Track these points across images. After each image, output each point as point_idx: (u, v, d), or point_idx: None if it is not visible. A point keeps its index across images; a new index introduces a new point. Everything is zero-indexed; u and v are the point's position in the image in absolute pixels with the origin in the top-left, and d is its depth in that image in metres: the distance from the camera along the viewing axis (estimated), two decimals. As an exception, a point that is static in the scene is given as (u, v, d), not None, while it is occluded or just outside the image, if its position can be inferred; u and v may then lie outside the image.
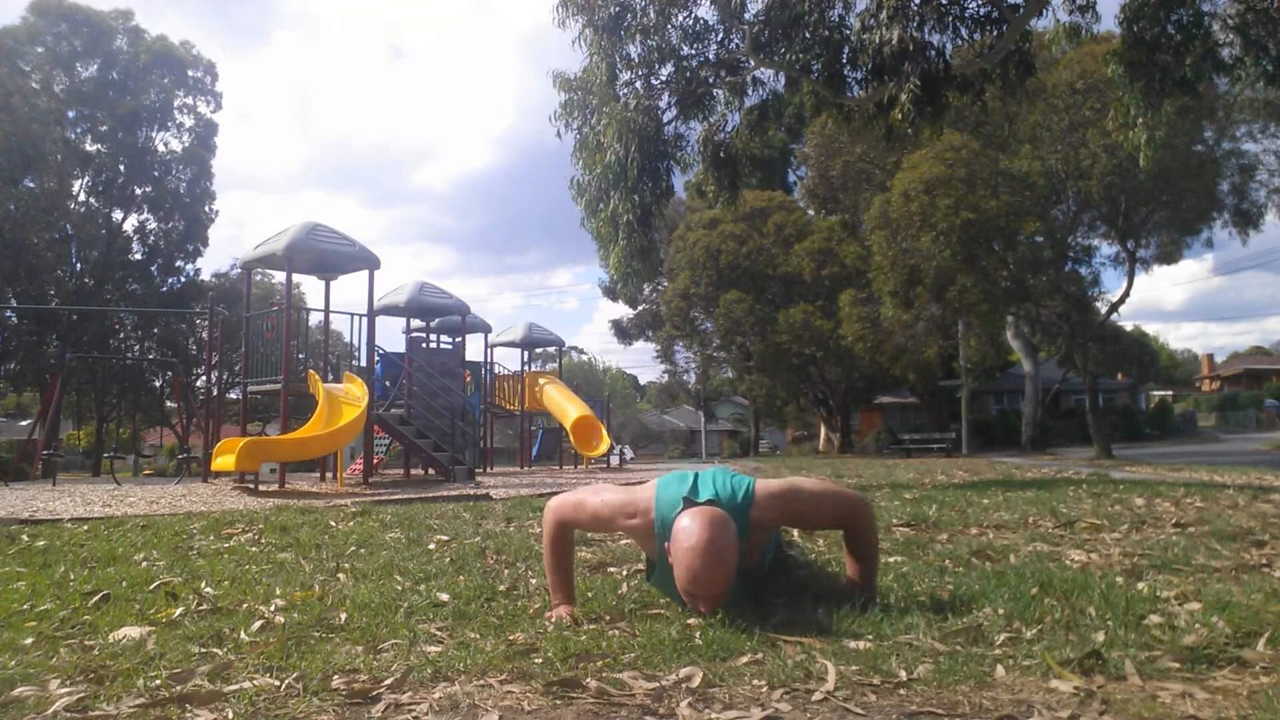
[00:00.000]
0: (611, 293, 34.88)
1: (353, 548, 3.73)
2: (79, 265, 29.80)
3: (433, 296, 13.30)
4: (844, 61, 8.56)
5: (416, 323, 14.68)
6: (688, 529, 2.20)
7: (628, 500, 2.46)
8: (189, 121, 31.71)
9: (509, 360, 19.10)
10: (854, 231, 25.65)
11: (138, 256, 31.49)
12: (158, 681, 1.77)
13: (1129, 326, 36.62)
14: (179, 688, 1.73)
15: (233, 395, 14.73)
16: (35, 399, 31.19)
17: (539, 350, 21.13)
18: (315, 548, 3.78)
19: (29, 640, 2.20)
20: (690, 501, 2.28)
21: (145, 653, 2.02)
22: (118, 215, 31.00)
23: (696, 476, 2.41)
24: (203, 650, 2.06)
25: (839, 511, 2.48)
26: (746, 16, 8.82)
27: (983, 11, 8.27)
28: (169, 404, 29.59)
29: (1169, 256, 21.87)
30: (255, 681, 1.76)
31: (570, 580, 2.47)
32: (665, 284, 29.95)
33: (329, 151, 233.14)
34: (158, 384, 29.60)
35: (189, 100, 31.63)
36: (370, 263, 10.46)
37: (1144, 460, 15.78)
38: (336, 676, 1.80)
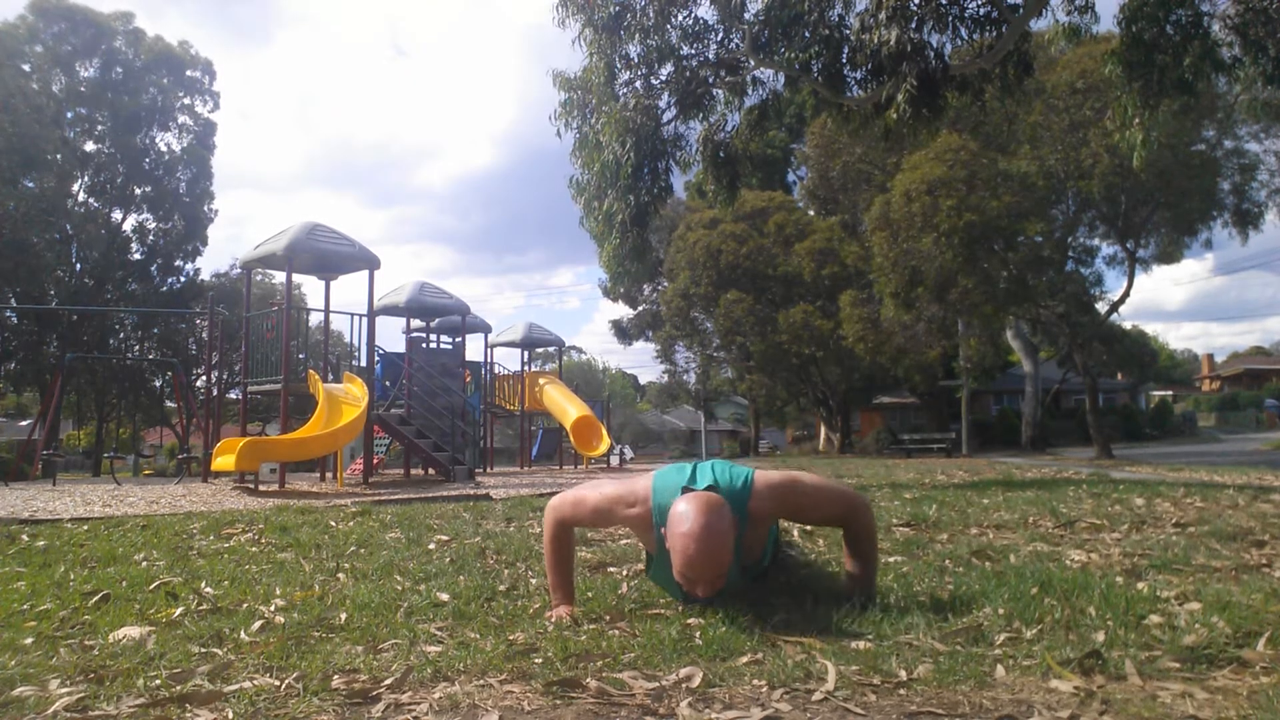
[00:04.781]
0: (611, 293, 34.87)
1: (353, 548, 3.73)
2: (79, 265, 29.81)
3: (433, 296, 13.31)
4: (844, 61, 8.55)
5: (416, 323, 14.68)
6: (683, 514, 2.20)
7: (626, 490, 2.47)
8: (188, 121, 31.75)
9: (509, 360, 19.12)
10: (854, 232, 25.65)
11: (138, 256, 31.51)
12: (158, 681, 1.77)
13: (1129, 326, 36.57)
14: (179, 688, 1.73)
15: (233, 395, 14.71)
16: (35, 399, 31.19)
17: (539, 350, 21.13)
18: (315, 548, 3.78)
19: (29, 640, 2.20)
20: (688, 490, 2.28)
21: (145, 653, 2.02)
22: (117, 215, 31.02)
23: (695, 467, 2.42)
24: (203, 650, 2.06)
25: (838, 508, 2.48)
26: (746, 16, 8.82)
27: (982, 11, 8.27)
28: (169, 404, 29.60)
29: (1169, 256, 21.87)
30: (255, 681, 1.76)
31: (570, 580, 2.47)
32: (665, 284, 29.94)
33: (329, 151, 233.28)
34: (158, 384, 29.63)
35: (188, 100, 31.65)
36: (370, 263, 10.46)
37: (1144, 460, 15.78)
38: (336, 676, 1.79)
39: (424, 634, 2.16)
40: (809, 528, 3.81)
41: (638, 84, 9.14)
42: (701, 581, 2.19)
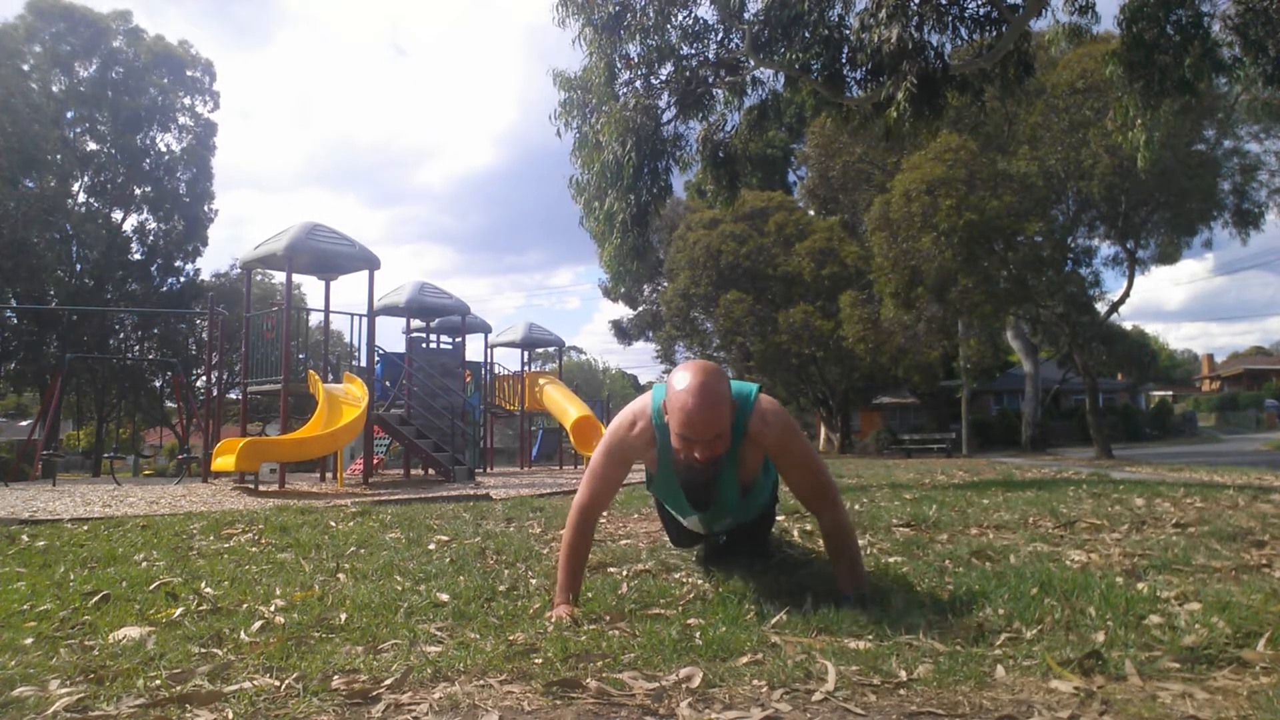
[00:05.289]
0: (611, 293, 34.85)
1: (353, 548, 3.73)
2: (79, 265, 29.79)
3: (433, 296, 13.30)
4: (844, 61, 8.55)
5: (416, 323, 14.68)
6: (681, 376, 2.23)
7: (625, 414, 2.51)
8: (188, 121, 31.74)
9: (509, 360, 19.11)
10: (854, 231, 25.65)
11: (138, 256, 31.48)
12: (158, 681, 1.77)
13: (1129, 326, 36.55)
14: (179, 688, 1.73)
15: (233, 395, 14.71)
16: (35, 399, 31.18)
17: (539, 350, 21.12)
18: (315, 548, 3.78)
19: (29, 640, 2.20)
20: None
21: (145, 653, 2.02)
22: (118, 215, 31.00)
23: None
24: (203, 650, 2.06)
25: (821, 482, 2.49)
26: (746, 16, 8.81)
27: (982, 11, 8.27)
28: (169, 404, 29.57)
29: (1169, 257, 21.89)
30: (255, 681, 1.76)
31: (578, 580, 2.47)
32: (665, 284, 29.93)
33: (329, 150, 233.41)
34: (158, 384, 29.61)
35: (188, 100, 31.63)
36: (370, 263, 10.46)
37: (1144, 460, 15.78)
38: (336, 676, 1.79)
39: (424, 634, 2.16)
40: (809, 527, 3.81)
41: (638, 84, 9.14)
42: (700, 441, 2.19)
